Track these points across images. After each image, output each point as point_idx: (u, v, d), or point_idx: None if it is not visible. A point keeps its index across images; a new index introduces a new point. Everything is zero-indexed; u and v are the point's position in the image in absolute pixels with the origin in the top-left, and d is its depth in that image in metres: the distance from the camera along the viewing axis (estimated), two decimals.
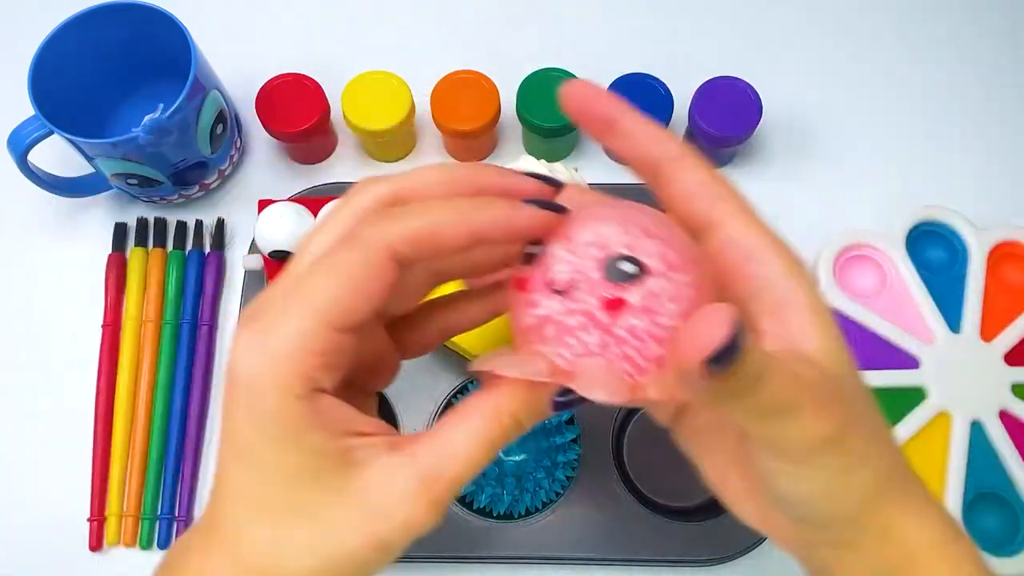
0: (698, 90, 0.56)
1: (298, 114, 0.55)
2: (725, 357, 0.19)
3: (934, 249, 0.56)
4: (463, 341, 0.47)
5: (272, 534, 0.23)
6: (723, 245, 0.26)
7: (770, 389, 0.22)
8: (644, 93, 0.56)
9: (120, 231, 0.58)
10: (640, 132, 0.26)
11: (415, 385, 0.51)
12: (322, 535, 0.23)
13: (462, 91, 0.56)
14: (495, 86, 0.56)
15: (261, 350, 0.23)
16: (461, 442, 0.24)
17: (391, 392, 0.51)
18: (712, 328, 0.19)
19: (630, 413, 0.52)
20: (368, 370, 0.28)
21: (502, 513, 0.49)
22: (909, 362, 0.52)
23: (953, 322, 0.53)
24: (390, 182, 0.25)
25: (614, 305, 0.23)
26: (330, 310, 0.23)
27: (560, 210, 0.25)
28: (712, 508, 0.50)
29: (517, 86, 0.56)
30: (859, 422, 0.25)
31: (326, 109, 0.56)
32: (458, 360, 0.52)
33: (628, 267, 0.23)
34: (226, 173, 0.59)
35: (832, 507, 0.26)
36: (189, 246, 0.57)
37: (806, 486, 0.25)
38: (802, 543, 0.29)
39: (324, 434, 0.23)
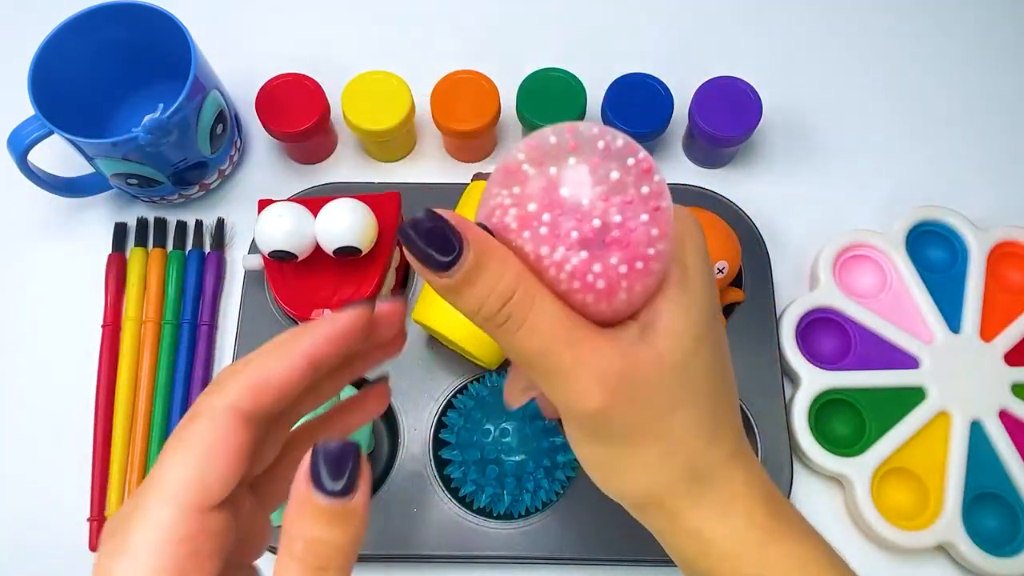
0: (698, 90, 0.56)
1: (298, 114, 0.55)
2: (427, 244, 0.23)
3: (934, 249, 0.56)
4: (463, 341, 0.47)
5: None
6: None
7: (520, 338, 0.24)
8: (644, 93, 0.56)
9: (120, 231, 0.58)
10: None
11: (415, 385, 0.51)
12: None
13: (462, 91, 0.56)
14: (495, 86, 0.56)
15: (122, 558, 0.21)
16: None
17: (391, 392, 0.51)
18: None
19: None
20: (241, 543, 0.26)
21: (502, 513, 0.49)
22: (909, 362, 0.52)
23: (953, 322, 0.53)
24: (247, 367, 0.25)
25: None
26: (187, 491, 0.22)
27: (370, 304, 0.26)
28: None
29: (517, 86, 0.56)
30: (644, 410, 0.27)
31: (326, 109, 0.56)
32: (458, 360, 0.52)
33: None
34: (226, 173, 0.59)
35: (601, 480, 0.29)
36: (189, 246, 0.57)
37: (582, 447, 0.28)
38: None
39: None
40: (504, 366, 0.51)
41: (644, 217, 0.24)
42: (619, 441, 0.28)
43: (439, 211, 0.23)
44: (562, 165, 0.24)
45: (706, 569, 0.29)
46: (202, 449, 0.22)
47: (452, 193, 0.52)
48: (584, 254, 0.24)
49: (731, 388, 0.30)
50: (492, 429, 0.48)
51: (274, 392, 0.24)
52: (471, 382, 0.51)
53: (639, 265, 0.24)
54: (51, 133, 0.50)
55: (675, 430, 0.28)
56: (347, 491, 0.21)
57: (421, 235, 0.23)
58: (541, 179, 0.24)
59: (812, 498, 0.51)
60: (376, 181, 0.57)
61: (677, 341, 0.26)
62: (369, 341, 0.27)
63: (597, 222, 0.23)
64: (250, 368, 0.24)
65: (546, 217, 0.23)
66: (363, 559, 0.48)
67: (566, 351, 0.25)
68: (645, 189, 0.24)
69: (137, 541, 0.21)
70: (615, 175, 0.24)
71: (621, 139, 0.24)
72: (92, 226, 0.59)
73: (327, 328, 0.25)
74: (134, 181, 0.54)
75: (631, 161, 0.24)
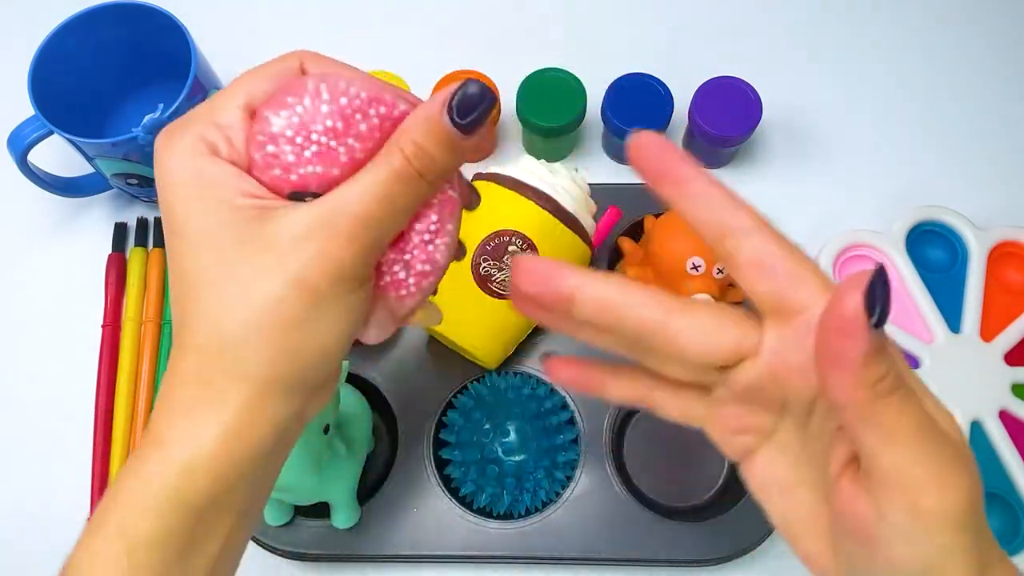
0: (698, 90, 0.56)
1: None
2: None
3: (934, 249, 0.56)
4: (463, 341, 0.47)
5: (216, 300, 0.24)
6: (810, 332, 0.24)
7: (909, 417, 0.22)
8: (644, 93, 0.56)
9: (120, 231, 0.58)
10: (713, 197, 0.25)
11: (415, 385, 0.51)
12: (246, 286, 0.24)
13: None
14: (495, 86, 0.56)
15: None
16: (361, 182, 0.25)
17: (391, 392, 0.51)
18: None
19: (629, 413, 0.52)
20: None
21: (502, 513, 0.49)
22: (909, 362, 0.52)
23: (953, 322, 0.53)
24: None
25: None
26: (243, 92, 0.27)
27: None
28: (712, 508, 0.50)
29: (517, 86, 0.56)
30: (981, 510, 0.24)
31: None
32: (458, 360, 0.52)
33: None
34: None
35: None
36: None
37: (914, 552, 0.23)
38: None
39: (229, 192, 0.24)
40: (504, 366, 0.51)
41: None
42: (955, 539, 0.23)
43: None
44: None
45: None
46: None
47: None
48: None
49: None
50: (492, 429, 0.48)
51: None
52: (471, 382, 0.51)
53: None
54: (51, 133, 0.50)
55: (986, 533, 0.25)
56: (470, 129, 0.25)
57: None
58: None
59: None
60: None
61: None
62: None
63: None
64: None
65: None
66: (364, 559, 0.48)
67: None
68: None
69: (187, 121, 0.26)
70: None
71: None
72: (92, 226, 0.59)
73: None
74: (134, 181, 0.54)
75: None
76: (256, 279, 0.24)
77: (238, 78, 0.28)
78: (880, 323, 0.21)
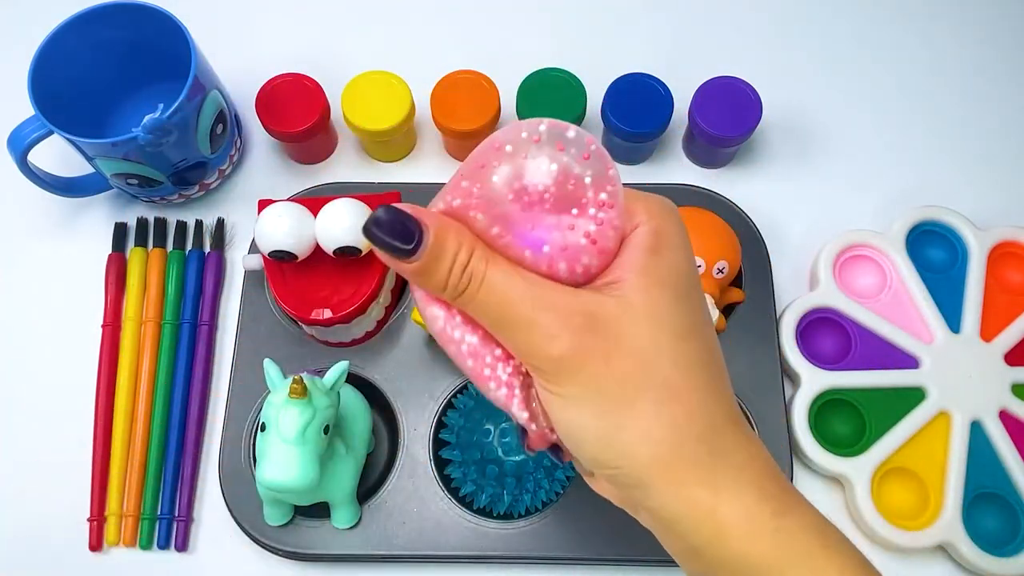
0: (698, 90, 0.56)
1: (298, 114, 0.55)
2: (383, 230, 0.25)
3: (934, 249, 0.56)
4: None
5: None
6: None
7: (482, 295, 0.26)
8: (644, 93, 0.56)
9: (120, 231, 0.58)
10: None
11: (415, 385, 0.51)
12: None
13: (462, 91, 0.56)
14: (495, 86, 0.56)
15: None
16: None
17: (391, 391, 0.51)
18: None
19: None
20: None
21: (502, 513, 0.49)
22: (909, 362, 0.52)
23: (953, 322, 0.53)
24: None
25: None
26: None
27: None
28: None
29: (517, 86, 0.56)
30: (620, 363, 0.25)
31: (326, 109, 0.56)
32: None
33: None
34: (226, 173, 0.59)
35: (598, 451, 0.26)
36: (189, 246, 0.57)
37: (567, 415, 0.26)
38: (626, 503, 0.29)
39: None
40: None
41: (590, 194, 0.26)
42: (603, 397, 0.25)
43: (395, 205, 0.25)
44: (518, 158, 0.26)
45: (717, 559, 0.26)
46: None
47: None
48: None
49: (721, 359, 0.28)
50: (492, 429, 0.48)
51: None
52: (471, 382, 0.51)
53: (583, 240, 0.26)
54: (51, 133, 0.50)
55: (665, 378, 0.25)
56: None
57: (383, 230, 0.25)
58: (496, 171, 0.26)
59: (812, 498, 0.50)
60: (376, 181, 0.57)
61: (645, 293, 0.26)
62: None
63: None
64: None
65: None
66: (363, 559, 0.48)
67: (526, 298, 0.25)
68: (589, 173, 0.26)
69: None
70: (555, 167, 0.26)
71: (573, 130, 0.26)
72: (92, 226, 0.59)
73: None
74: (134, 181, 0.54)
75: (574, 151, 0.26)
76: None
77: None
78: (399, 251, 0.25)
